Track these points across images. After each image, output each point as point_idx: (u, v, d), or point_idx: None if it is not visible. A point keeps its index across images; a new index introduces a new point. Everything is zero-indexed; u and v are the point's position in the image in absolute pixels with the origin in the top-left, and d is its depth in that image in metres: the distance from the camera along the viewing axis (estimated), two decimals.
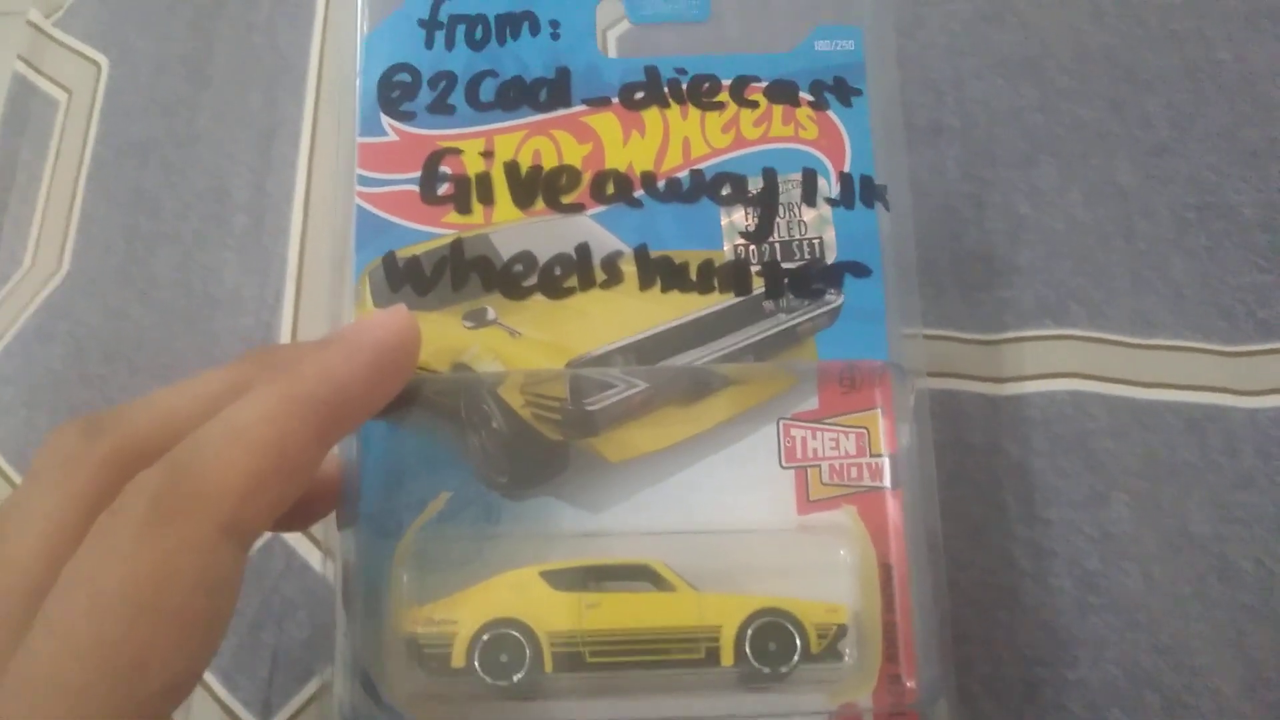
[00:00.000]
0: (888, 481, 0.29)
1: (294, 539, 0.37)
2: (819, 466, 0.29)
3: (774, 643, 0.28)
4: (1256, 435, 0.39)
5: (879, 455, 0.29)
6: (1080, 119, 0.44)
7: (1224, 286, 0.41)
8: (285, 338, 0.41)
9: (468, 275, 0.30)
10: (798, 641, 0.28)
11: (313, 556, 0.37)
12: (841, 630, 0.28)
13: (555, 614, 0.28)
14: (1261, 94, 0.44)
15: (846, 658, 0.28)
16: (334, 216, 0.31)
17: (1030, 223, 0.42)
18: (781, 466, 0.29)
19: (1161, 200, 0.42)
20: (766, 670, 0.28)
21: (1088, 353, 0.40)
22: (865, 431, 0.30)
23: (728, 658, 0.28)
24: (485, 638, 0.27)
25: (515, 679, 0.27)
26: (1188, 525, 0.37)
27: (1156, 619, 0.36)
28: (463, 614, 0.28)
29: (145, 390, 0.39)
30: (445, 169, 0.31)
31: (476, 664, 0.27)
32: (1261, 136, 0.43)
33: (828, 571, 0.29)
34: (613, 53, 0.33)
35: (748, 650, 0.28)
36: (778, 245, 0.31)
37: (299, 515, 0.27)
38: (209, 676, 0.35)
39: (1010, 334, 0.40)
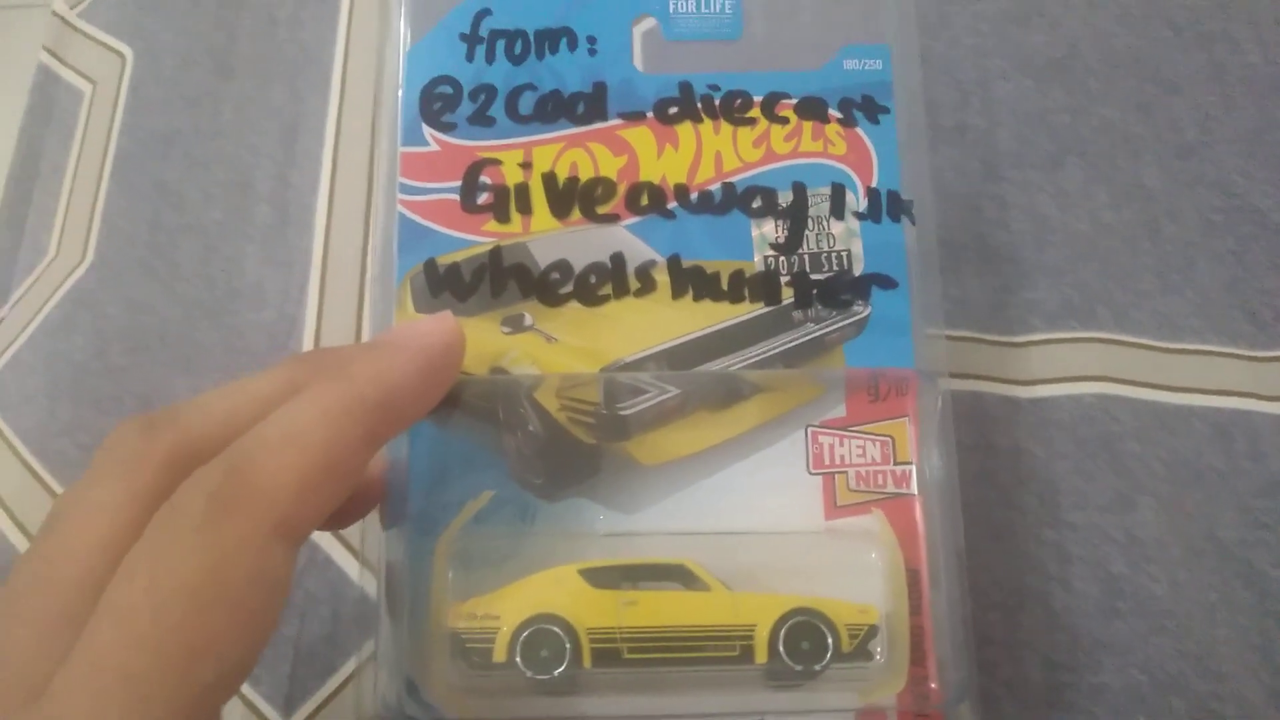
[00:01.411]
0: (914, 489, 0.30)
1: (316, 534, 0.37)
2: (846, 473, 0.30)
3: (807, 641, 0.29)
4: None
5: (905, 463, 0.30)
6: (1107, 120, 0.44)
7: (1251, 290, 0.42)
8: (309, 332, 0.42)
9: (506, 282, 0.31)
10: (830, 641, 0.29)
11: (334, 551, 0.38)
12: (873, 630, 0.29)
13: (594, 611, 0.28)
14: None
15: (877, 658, 0.29)
16: (377, 223, 0.32)
17: (1056, 224, 0.43)
18: (810, 472, 0.30)
19: (1188, 203, 0.43)
20: (799, 668, 0.29)
21: (1113, 356, 0.41)
22: (891, 439, 0.30)
23: (761, 655, 0.28)
24: (526, 633, 0.28)
25: (555, 673, 0.28)
26: (1214, 530, 0.38)
27: (1182, 624, 0.37)
28: (504, 610, 0.28)
29: (167, 382, 0.39)
30: (485, 179, 0.32)
31: (518, 658, 0.28)
32: None
33: (858, 574, 0.30)
34: (639, 52, 0.34)
35: (781, 649, 0.29)
36: (807, 257, 0.32)
37: (344, 514, 0.28)
38: None
39: (1035, 336, 0.41)
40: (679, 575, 0.29)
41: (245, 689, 0.36)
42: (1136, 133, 0.44)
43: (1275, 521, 0.38)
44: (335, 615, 0.37)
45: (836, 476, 0.30)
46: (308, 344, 0.42)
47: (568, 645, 0.28)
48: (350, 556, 0.38)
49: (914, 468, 0.30)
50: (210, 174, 0.45)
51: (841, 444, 0.31)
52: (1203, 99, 0.45)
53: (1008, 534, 0.38)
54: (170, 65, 0.47)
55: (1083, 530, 0.38)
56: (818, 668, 0.29)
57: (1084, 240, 0.42)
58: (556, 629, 0.28)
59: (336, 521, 0.29)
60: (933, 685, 0.29)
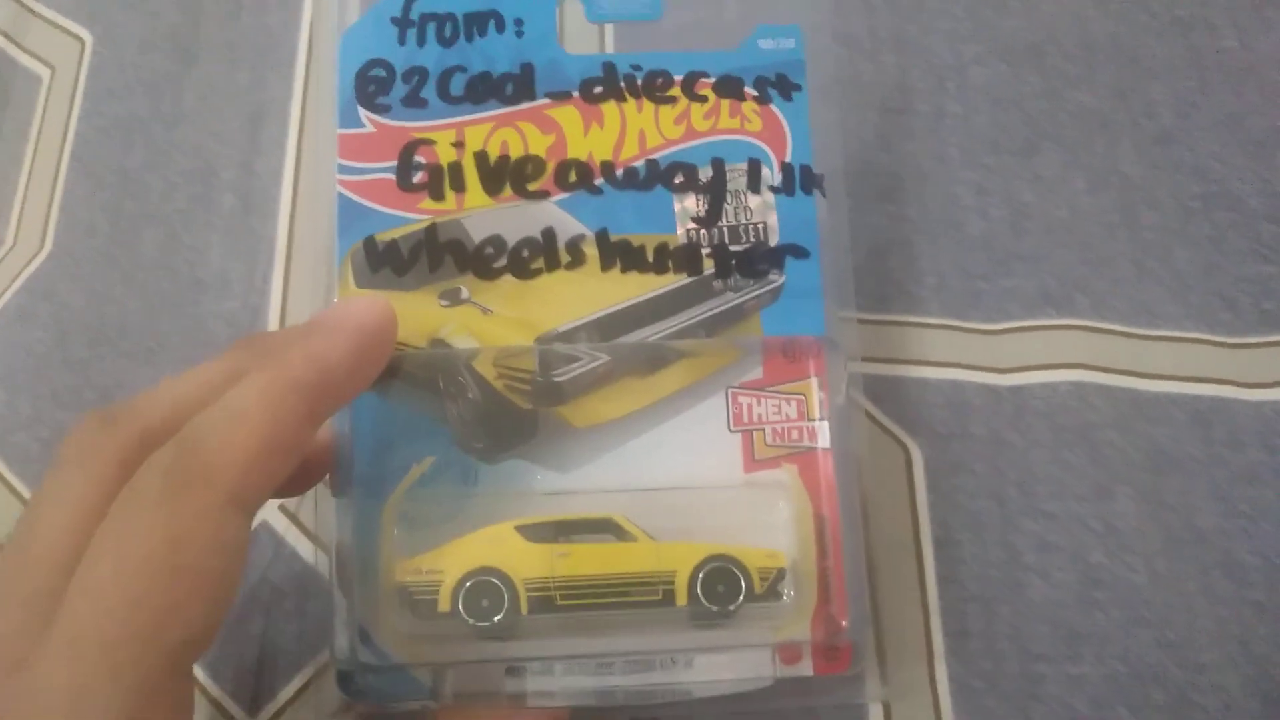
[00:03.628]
0: (823, 443, 0.34)
1: (281, 527, 0.41)
2: (763, 430, 0.34)
3: (722, 585, 0.33)
4: (1262, 428, 0.42)
5: (815, 420, 0.34)
6: (1084, 106, 0.48)
7: (1228, 277, 0.44)
8: (273, 321, 0.44)
9: (442, 257, 0.34)
10: (743, 583, 0.33)
11: (301, 545, 0.40)
12: (781, 573, 0.33)
13: (529, 563, 0.32)
14: (1267, 82, 0.49)
15: (785, 598, 0.33)
16: (317, 202, 0.35)
17: (1033, 211, 0.45)
18: (730, 430, 0.34)
19: (1165, 189, 0.46)
20: (715, 609, 0.33)
21: (1091, 343, 0.43)
22: (803, 398, 0.35)
23: (681, 599, 0.33)
24: (468, 584, 0.32)
25: (495, 620, 0.32)
26: (1193, 519, 0.40)
27: (1161, 614, 0.39)
28: (447, 564, 0.32)
29: (129, 374, 0.42)
30: (420, 158, 0.35)
31: (460, 608, 0.32)
32: (1267, 125, 0.48)
33: (769, 523, 0.34)
34: (564, 33, 0.38)
35: (699, 592, 0.33)
36: (726, 229, 0.35)
37: (295, 482, 0.32)
38: (195, 668, 0.34)
39: (1013, 323, 0.43)
40: (608, 528, 0.33)
41: (210, 686, 0.39)
42: (1113, 118, 0.48)
43: (1254, 510, 0.40)
44: (301, 610, 0.38)
45: (755, 433, 0.34)
46: None
47: (506, 594, 0.32)
48: (320, 554, 0.38)
49: (825, 424, 0.34)
50: (172, 161, 0.48)
51: (759, 403, 0.34)
52: (1180, 85, 0.49)
53: (985, 524, 0.40)
54: (131, 50, 0.50)
55: (1061, 520, 0.40)
56: (732, 608, 0.33)
57: (1061, 227, 0.45)
58: (495, 580, 0.32)
59: (291, 489, 0.33)
60: (841, 621, 0.33)
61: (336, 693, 0.34)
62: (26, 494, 0.41)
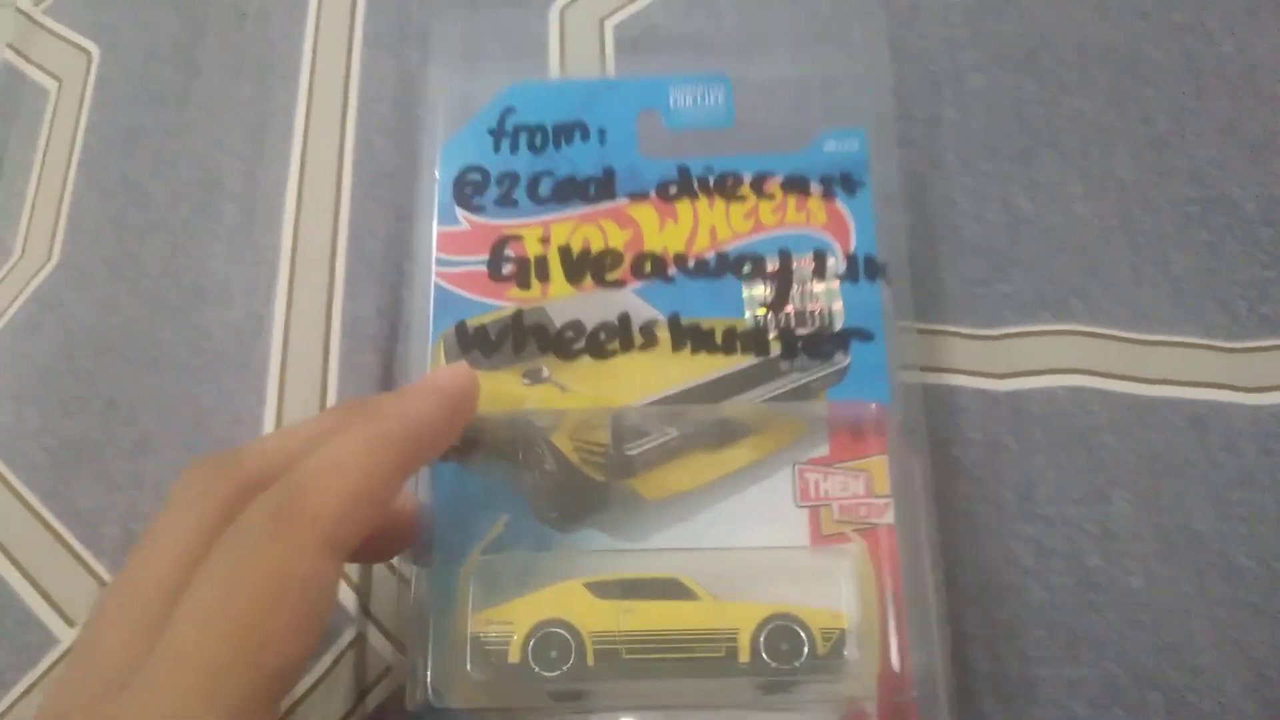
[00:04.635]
0: (889, 519, 0.35)
1: None
2: (830, 505, 0.35)
3: (785, 643, 0.33)
4: (1259, 432, 0.42)
5: (883, 496, 0.35)
6: (1080, 112, 0.49)
7: (1225, 282, 0.45)
8: (277, 331, 0.45)
9: (526, 340, 0.37)
10: (805, 642, 0.33)
11: None
12: (843, 634, 0.34)
13: (597, 617, 0.34)
14: (1263, 87, 0.50)
15: (848, 658, 0.34)
16: (414, 290, 0.38)
17: (1029, 216, 0.46)
18: (797, 505, 0.35)
19: (1162, 194, 0.47)
20: (777, 666, 0.33)
21: (1088, 348, 0.43)
22: (869, 474, 0.36)
23: (744, 656, 0.33)
24: (537, 636, 0.33)
25: (563, 670, 0.33)
26: (1189, 523, 0.41)
27: (1158, 618, 0.39)
28: (518, 617, 0.34)
29: (134, 383, 0.47)
30: (509, 252, 0.38)
31: (530, 658, 0.33)
32: (1263, 130, 0.49)
33: (832, 585, 0.34)
34: (643, 141, 0.39)
35: (762, 650, 0.33)
36: (792, 315, 0.37)
37: (382, 550, 0.35)
38: None
39: (1010, 329, 0.44)
40: (673, 588, 0.34)
41: None
42: (1109, 124, 0.48)
43: (1250, 513, 0.41)
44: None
45: (821, 509, 0.35)
46: (276, 343, 0.45)
47: (573, 646, 0.33)
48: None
49: (892, 500, 0.35)
50: (177, 172, 0.49)
51: (826, 479, 0.36)
52: (1176, 90, 0.50)
53: (983, 528, 0.41)
54: (136, 62, 0.52)
55: (1058, 524, 0.41)
56: (795, 664, 0.33)
57: (1057, 232, 0.46)
58: (563, 632, 0.33)
59: (379, 556, 0.36)
60: (910, 690, 0.33)
61: (342, 700, 0.37)
62: (34, 502, 0.42)
